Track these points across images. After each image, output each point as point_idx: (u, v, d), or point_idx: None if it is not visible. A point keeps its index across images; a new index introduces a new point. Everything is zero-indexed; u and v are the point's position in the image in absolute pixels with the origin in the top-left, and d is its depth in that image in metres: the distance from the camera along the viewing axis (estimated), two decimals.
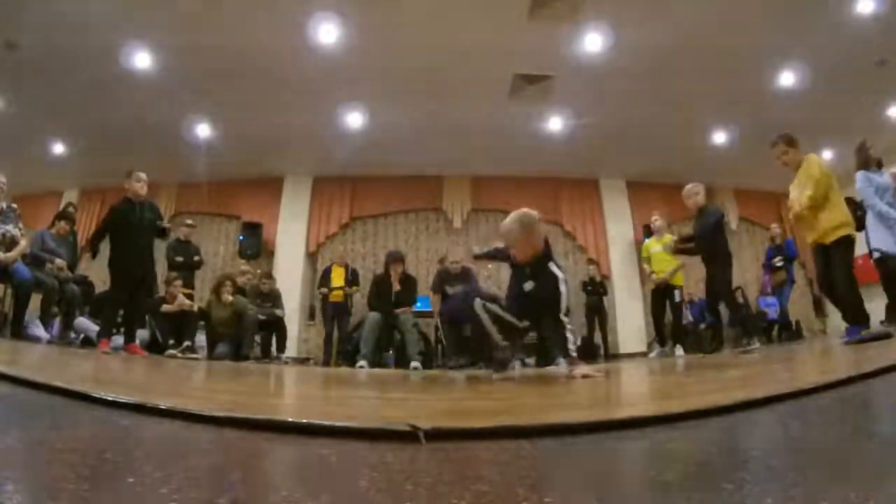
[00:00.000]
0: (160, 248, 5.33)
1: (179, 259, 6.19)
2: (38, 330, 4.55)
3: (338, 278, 6.35)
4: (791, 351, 4.23)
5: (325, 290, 6.36)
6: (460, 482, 0.61)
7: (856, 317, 3.56)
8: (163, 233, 4.67)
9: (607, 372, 2.96)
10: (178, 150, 7.47)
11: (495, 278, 8.10)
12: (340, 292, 6.27)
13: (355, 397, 1.92)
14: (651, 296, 5.58)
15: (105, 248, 4.45)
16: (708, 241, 4.73)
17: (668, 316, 5.56)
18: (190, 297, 5.72)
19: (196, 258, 6.43)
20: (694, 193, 4.88)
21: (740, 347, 4.79)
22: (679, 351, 5.35)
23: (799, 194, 3.69)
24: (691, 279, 8.57)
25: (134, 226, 4.32)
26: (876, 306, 8.26)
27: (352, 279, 6.43)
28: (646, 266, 5.68)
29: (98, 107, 6.42)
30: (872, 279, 8.44)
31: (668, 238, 5.55)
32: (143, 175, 4.41)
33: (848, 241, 3.58)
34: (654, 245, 5.61)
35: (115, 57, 5.49)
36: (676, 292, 5.38)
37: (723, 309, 5.00)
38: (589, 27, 5.34)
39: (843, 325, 5.71)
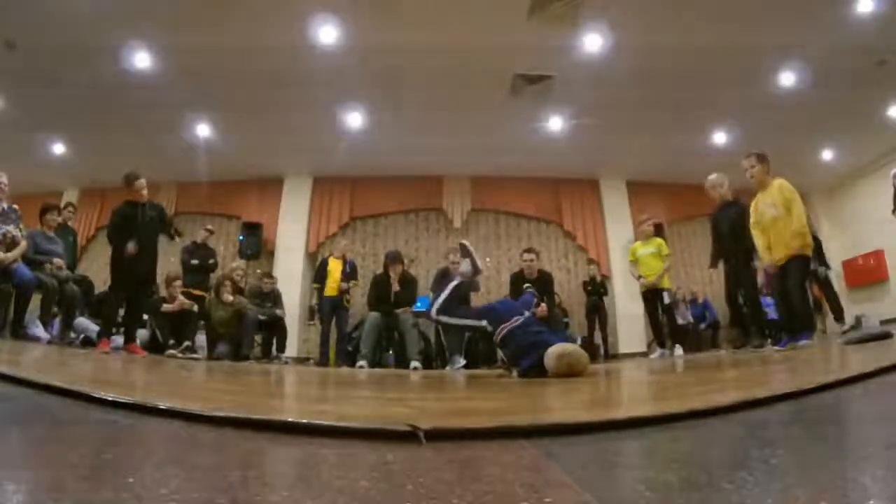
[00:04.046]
0: (163, 249, 5.33)
1: (195, 262, 6.28)
2: (38, 330, 4.53)
3: (335, 271, 6.17)
4: (791, 353, 4.22)
5: (318, 285, 6.25)
6: (460, 482, 0.61)
7: (807, 323, 3.98)
8: (171, 235, 4.73)
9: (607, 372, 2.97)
10: (178, 150, 7.47)
11: (495, 279, 8.11)
12: (335, 285, 6.07)
13: (355, 397, 1.92)
14: (642, 299, 5.57)
15: (106, 248, 4.46)
16: (733, 237, 4.54)
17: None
18: (202, 298, 5.72)
19: (211, 261, 6.51)
20: (719, 185, 4.70)
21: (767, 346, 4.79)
22: (679, 351, 5.35)
23: (773, 212, 4.07)
24: (691, 279, 8.62)
25: (137, 227, 4.33)
26: (872, 307, 8.27)
27: (350, 272, 6.25)
28: (632, 269, 5.65)
29: (98, 107, 6.42)
30: (866, 281, 8.48)
31: (656, 242, 5.54)
32: (143, 181, 4.41)
33: (805, 261, 4.01)
34: (640, 248, 5.59)
35: (115, 57, 5.49)
36: (665, 294, 5.38)
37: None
38: (588, 27, 5.35)
39: (841, 325, 5.75)
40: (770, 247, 4.10)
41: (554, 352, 2.51)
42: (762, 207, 4.17)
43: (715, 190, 4.73)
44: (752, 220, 4.29)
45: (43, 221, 5.12)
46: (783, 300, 4.17)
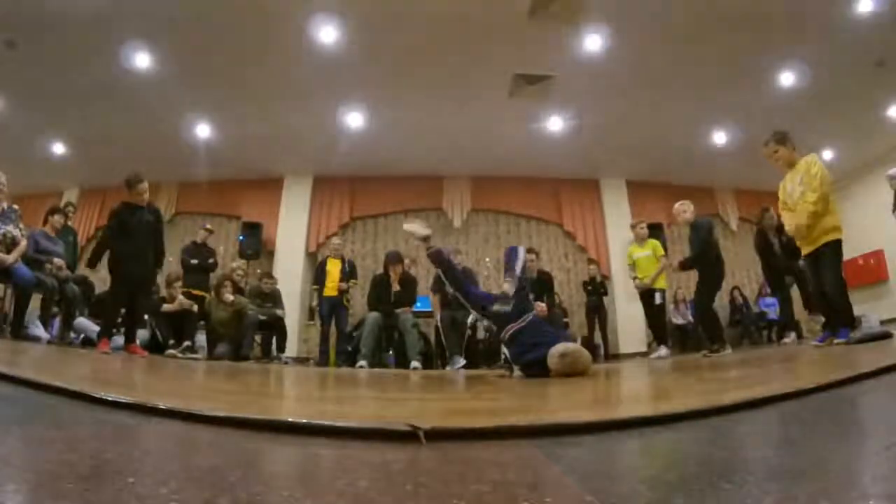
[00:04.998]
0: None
1: (194, 262, 6.30)
2: (38, 330, 4.53)
3: (334, 271, 6.14)
4: (791, 351, 4.23)
5: (317, 286, 6.19)
6: (460, 482, 0.61)
7: (846, 319, 3.60)
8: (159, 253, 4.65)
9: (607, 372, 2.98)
10: (178, 150, 7.47)
11: (495, 278, 8.10)
12: (335, 286, 6.05)
13: (355, 397, 1.92)
14: (640, 300, 5.64)
15: (106, 249, 4.45)
16: (702, 254, 4.90)
17: (668, 318, 5.62)
18: (202, 298, 5.72)
19: (211, 261, 6.53)
20: (682, 212, 5.05)
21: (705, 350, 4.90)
22: (663, 351, 5.38)
23: (800, 194, 3.69)
24: (692, 279, 8.60)
25: (134, 228, 4.32)
26: (872, 307, 8.25)
27: (349, 272, 6.23)
28: (630, 272, 5.75)
29: (98, 107, 6.42)
30: (866, 281, 8.45)
31: (651, 244, 5.59)
32: (145, 184, 4.39)
33: (838, 245, 3.61)
34: (636, 251, 5.67)
35: (115, 57, 5.49)
36: (657, 295, 5.45)
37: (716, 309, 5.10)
38: (589, 27, 5.35)
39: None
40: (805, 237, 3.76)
41: (556, 351, 2.51)
42: (790, 187, 3.85)
43: (681, 216, 5.10)
44: (779, 200, 3.98)
45: (48, 222, 5.13)
46: (815, 289, 3.89)
